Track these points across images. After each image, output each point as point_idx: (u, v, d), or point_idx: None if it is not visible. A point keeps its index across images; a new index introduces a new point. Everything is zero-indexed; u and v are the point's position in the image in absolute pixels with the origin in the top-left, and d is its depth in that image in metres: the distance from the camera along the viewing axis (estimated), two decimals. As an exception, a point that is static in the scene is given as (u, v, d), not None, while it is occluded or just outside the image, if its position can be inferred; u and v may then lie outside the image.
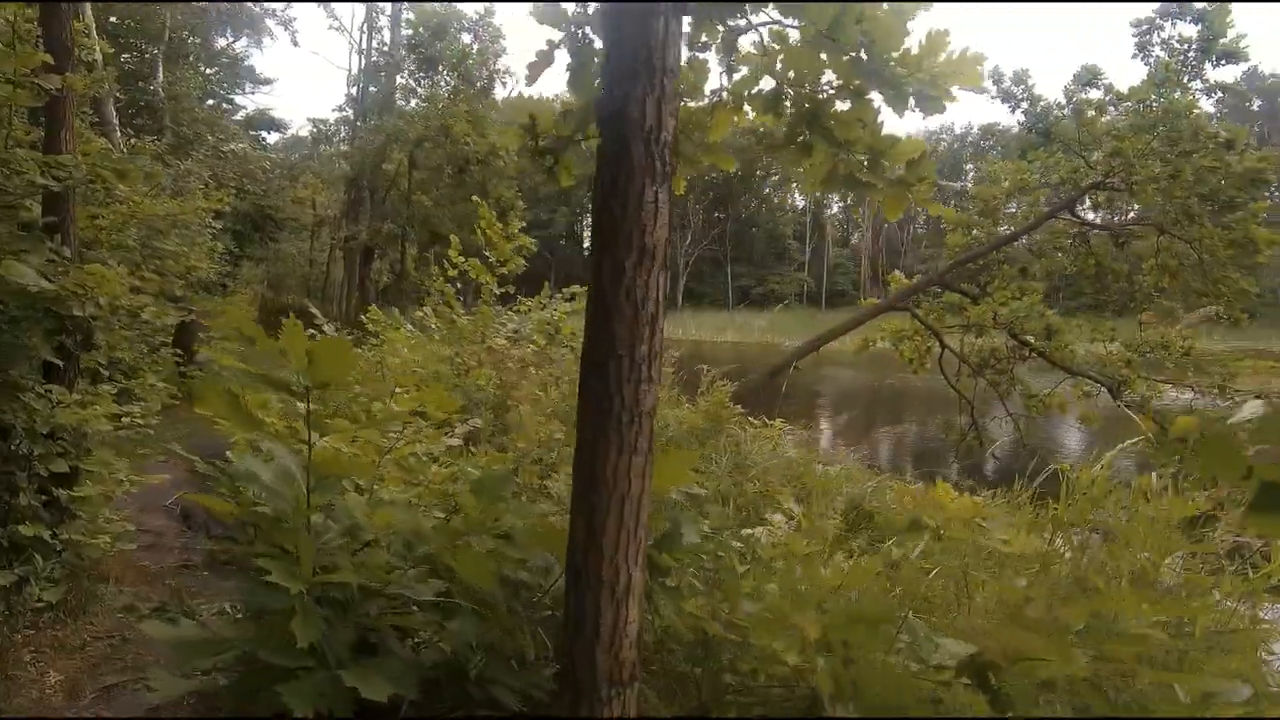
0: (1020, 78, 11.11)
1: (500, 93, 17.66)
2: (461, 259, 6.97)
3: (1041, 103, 10.87)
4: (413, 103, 18.14)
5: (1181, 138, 8.60)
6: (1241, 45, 9.99)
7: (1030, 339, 9.97)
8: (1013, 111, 11.17)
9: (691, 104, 2.51)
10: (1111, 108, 10.15)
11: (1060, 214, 10.11)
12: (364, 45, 19.62)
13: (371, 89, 19.64)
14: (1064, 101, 10.40)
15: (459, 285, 7.10)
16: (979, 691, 1.59)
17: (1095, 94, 10.09)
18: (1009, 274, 11.16)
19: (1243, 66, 11.43)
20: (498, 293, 6.95)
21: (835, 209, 78.49)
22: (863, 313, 10.29)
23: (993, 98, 11.27)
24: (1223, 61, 10.11)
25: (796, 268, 69.01)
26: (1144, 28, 10.43)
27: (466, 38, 17.54)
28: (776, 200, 74.40)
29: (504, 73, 17.43)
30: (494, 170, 15.72)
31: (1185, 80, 10.10)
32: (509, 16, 23.46)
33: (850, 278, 71.46)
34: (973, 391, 10.05)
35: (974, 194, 10.83)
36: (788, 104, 2.26)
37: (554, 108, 3.65)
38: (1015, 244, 10.74)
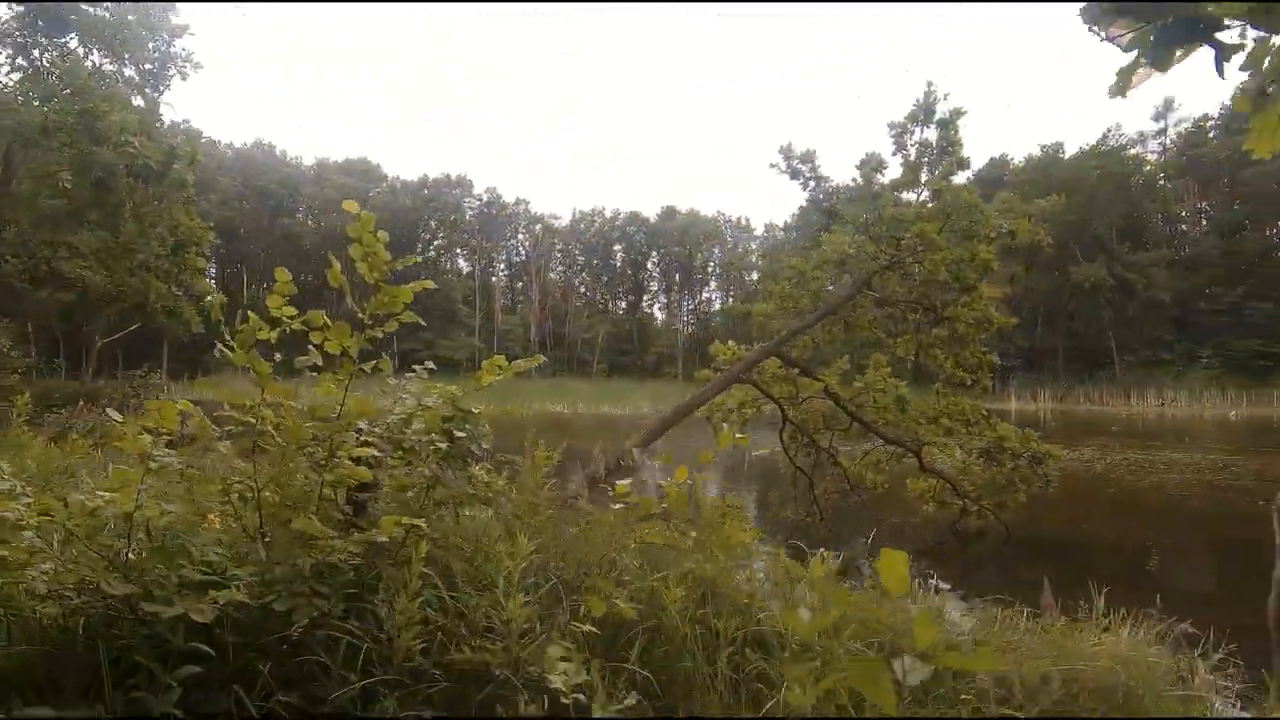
0: (808, 157, 11.70)
1: (180, 86, 12.71)
2: (291, 311, 3.99)
3: (829, 183, 11.53)
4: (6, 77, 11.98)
5: (971, 224, 9.66)
6: (964, 155, 11.86)
7: (849, 406, 10.14)
8: (804, 189, 11.66)
9: None
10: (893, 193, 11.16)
11: (861, 290, 10.63)
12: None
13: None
14: (853, 183, 11.13)
15: (275, 356, 4.04)
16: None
17: (879, 179, 10.98)
18: (806, 344, 11.41)
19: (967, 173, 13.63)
20: (366, 369, 4.17)
21: (501, 276, 79.41)
22: (710, 387, 9.35)
23: (781, 172, 11.65)
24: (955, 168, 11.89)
25: (467, 333, 67.37)
26: (897, 130, 11.78)
27: None
28: (444, 264, 72.25)
29: (184, 59, 12.62)
30: (166, 186, 11.03)
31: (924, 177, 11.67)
32: None
33: (520, 344, 72.25)
34: (809, 464, 9.80)
35: (792, 265, 10.87)
36: None
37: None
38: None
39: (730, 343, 10.29)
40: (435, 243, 71.59)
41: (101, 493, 3.15)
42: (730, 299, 78.67)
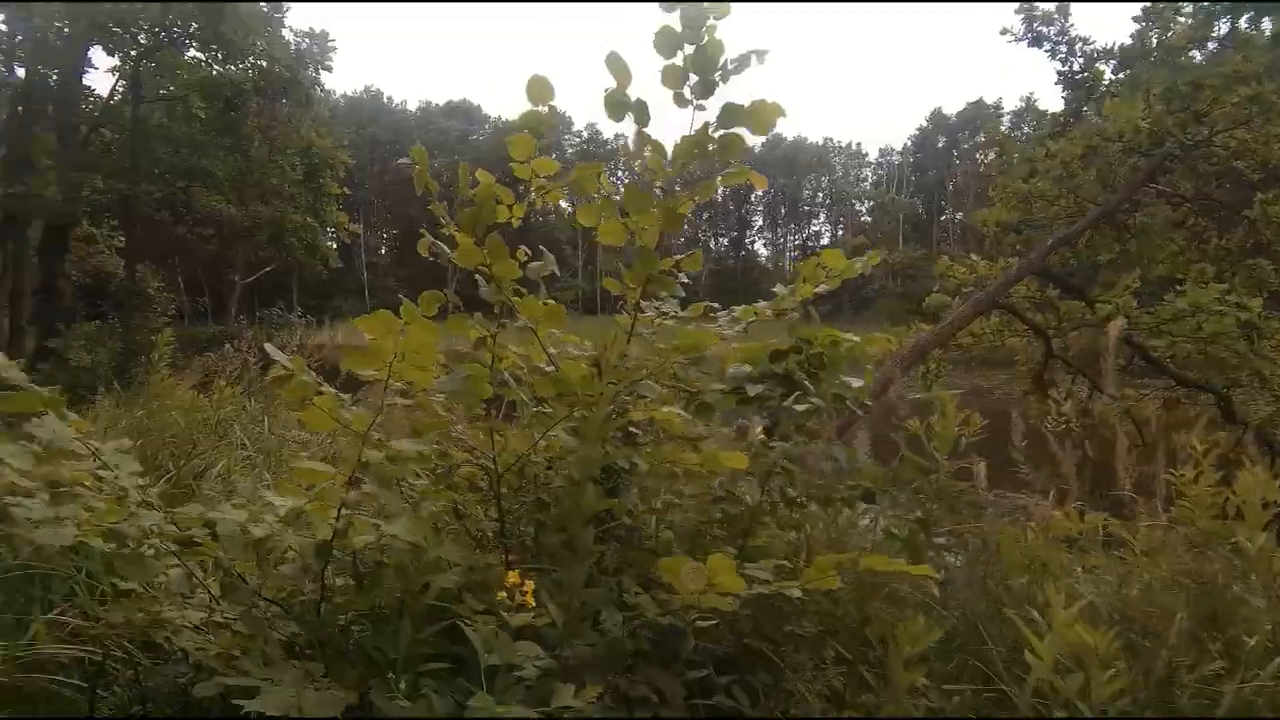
0: (1058, 16, 9.02)
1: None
2: (551, 165, 2.40)
3: (1088, 46, 8.87)
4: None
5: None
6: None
7: (1138, 337, 7.82)
8: (1051, 59, 9.04)
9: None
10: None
11: (1144, 184, 8.09)
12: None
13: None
14: (1131, 41, 8.45)
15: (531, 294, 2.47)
16: None
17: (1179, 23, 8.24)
18: (1084, 255, 8.97)
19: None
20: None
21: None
22: (966, 310, 7.28)
23: (1015, 39, 9.06)
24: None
25: (571, 274, 66.64)
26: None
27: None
28: (546, 204, 71.47)
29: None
30: (295, 102, 9.83)
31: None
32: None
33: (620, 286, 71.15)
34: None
35: (1053, 152, 8.41)
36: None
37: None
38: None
39: (973, 256, 8.10)
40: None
41: (276, 501, 1.69)
42: (840, 231, 74.22)
